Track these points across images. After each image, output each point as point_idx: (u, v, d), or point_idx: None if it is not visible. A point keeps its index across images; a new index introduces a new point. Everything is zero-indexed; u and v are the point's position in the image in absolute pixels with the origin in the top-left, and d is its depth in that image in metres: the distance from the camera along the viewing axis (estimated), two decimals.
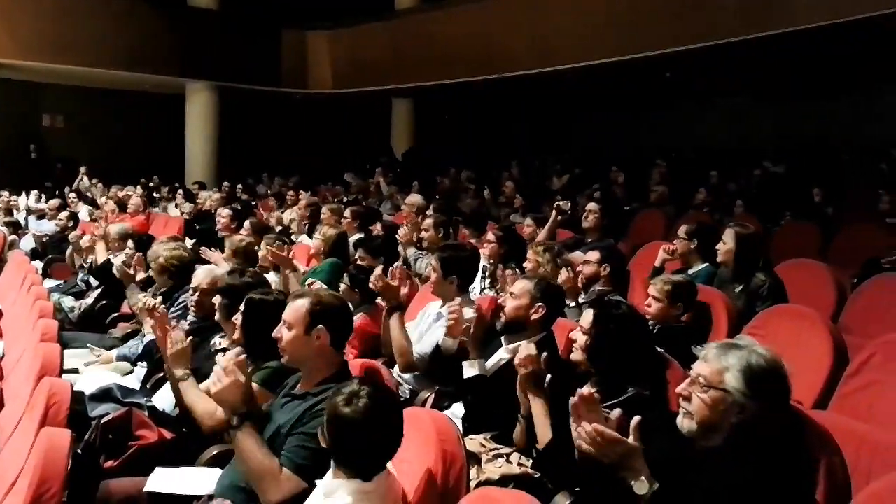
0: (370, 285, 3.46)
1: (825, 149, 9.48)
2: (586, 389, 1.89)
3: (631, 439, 1.80)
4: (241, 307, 2.84)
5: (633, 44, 9.06)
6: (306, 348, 2.28)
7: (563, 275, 3.63)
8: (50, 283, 5.88)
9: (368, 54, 12.95)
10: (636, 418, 1.83)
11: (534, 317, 2.81)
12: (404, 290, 3.37)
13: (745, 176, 8.78)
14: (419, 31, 12.18)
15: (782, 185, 7.56)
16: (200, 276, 3.59)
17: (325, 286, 3.53)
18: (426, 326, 3.47)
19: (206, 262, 4.96)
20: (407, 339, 3.29)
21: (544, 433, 2.36)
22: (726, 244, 3.83)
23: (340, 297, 2.51)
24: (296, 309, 2.29)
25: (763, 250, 4.08)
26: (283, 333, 2.31)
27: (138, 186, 10.59)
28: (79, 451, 2.49)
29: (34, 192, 10.84)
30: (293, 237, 6.57)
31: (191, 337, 2.76)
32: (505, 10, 10.70)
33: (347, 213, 6.06)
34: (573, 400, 1.87)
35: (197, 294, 3.52)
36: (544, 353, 2.40)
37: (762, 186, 7.97)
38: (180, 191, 10.67)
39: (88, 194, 10.69)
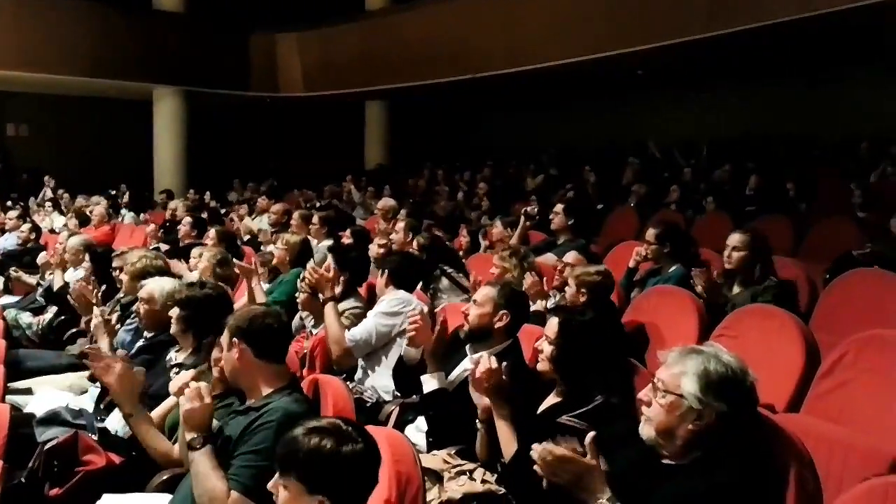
0: (302, 282, 3.56)
1: (797, 143, 9.50)
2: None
3: (588, 457, 1.71)
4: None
5: (604, 42, 9.04)
6: (231, 365, 2.27)
7: (529, 279, 3.55)
8: (9, 298, 5.71)
9: (339, 56, 12.79)
10: (590, 434, 1.74)
11: (498, 324, 2.72)
12: (338, 288, 3.50)
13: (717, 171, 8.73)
14: (390, 32, 12.06)
15: (756, 180, 7.50)
16: (151, 288, 3.39)
17: None
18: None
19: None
20: (342, 330, 3.32)
21: (509, 446, 2.27)
22: (739, 250, 3.75)
23: (266, 309, 2.41)
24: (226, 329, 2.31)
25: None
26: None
27: (125, 195, 10.43)
28: (22, 479, 2.39)
29: None
30: (262, 246, 6.40)
31: (138, 368, 2.69)
32: (477, 9, 10.62)
33: (315, 218, 5.91)
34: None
35: (148, 306, 3.33)
36: (503, 363, 2.30)
37: (734, 183, 7.94)
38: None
39: (49, 204, 10.46)
